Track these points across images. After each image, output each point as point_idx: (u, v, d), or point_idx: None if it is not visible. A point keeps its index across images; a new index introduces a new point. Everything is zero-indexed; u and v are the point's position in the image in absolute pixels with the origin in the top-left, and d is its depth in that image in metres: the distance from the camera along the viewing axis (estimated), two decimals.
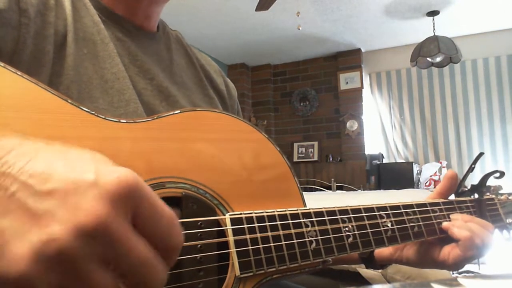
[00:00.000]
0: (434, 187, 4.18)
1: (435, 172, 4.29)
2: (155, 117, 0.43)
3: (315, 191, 4.17)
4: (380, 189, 4.32)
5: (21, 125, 0.34)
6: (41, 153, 0.26)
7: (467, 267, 3.13)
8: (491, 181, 0.72)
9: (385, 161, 4.80)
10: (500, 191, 0.76)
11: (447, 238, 0.61)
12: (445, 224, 0.61)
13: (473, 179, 0.71)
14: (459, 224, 0.60)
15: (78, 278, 0.23)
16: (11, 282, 0.22)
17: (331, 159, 4.88)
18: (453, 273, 2.67)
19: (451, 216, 0.63)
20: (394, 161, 4.79)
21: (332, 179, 4.63)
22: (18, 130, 0.33)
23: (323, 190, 4.20)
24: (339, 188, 4.58)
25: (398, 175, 4.35)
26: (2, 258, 0.22)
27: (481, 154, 0.73)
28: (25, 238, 0.23)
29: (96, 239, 0.23)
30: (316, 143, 5.07)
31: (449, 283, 0.47)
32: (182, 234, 0.28)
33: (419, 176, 4.41)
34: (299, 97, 5.25)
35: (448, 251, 0.60)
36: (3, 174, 0.24)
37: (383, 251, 0.66)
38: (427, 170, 4.34)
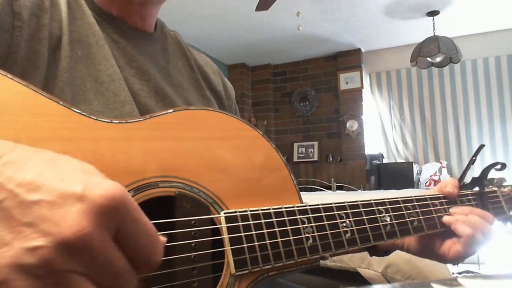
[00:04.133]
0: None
1: (435, 172, 4.28)
2: (148, 117, 0.43)
3: (315, 191, 4.17)
4: (380, 189, 4.32)
5: (13, 127, 0.34)
6: (31, 162, 0.26)
7: (467, 267, 3.13)
8: (494, 174, 0.71)
9: (385, 161, 4.79)
10: (504, 183, 0.75)
11: (448, 231, 0.60)
12: (446, 218, 0.61)
13: (474, 174, 0.70)
14: (462, 219, 0.60)
15: None
16: None
17: (331, 159, 4.88)
18: (453, 273, 2.67)
19: (450, 210, 0.62)
20: (394, 161, 4.79)
21: (332, 179, 4.62)
22: (11, 133, 0.34)
23: (323, 190, 4.20)
24: (339, 188, 4.58)
25: (398, 175, 4.34)
26: None
27: (481, 146, 0.72)
28: (8, 247, 0.23)
29: (77, 252, 0.24)
30: (316, 143, 5.07)
31: (449, 283, 0.47)
32: (162, 252, 0.29)
33: (419, 176, 4.40)
34: (299, 97, 5.25)
35: (449, 247, 0.59)
36: None
37: None
38: (427, 170, 4.34)
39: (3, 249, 0.23)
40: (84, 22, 0.56)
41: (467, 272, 3.02)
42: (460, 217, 0.60)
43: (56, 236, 0.23)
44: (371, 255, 0.66)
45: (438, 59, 3.81)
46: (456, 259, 0.59)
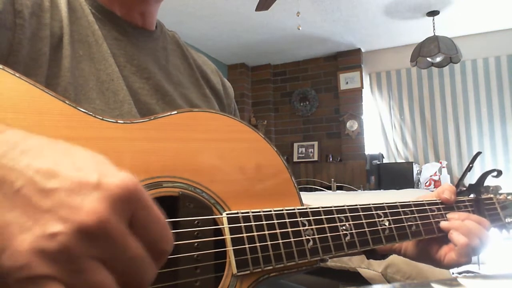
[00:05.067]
0: (434, 187, 4.19)
1: (435, 172, 4.29)
2: (152, 118, 0.44)
3: (315, 191, 4.17)
4: (380, 189, 4.32)
5: (20, 126, 0.34)
6: (46, 150, 0.27)
7: (467, 267, 3.13)
8: (491, 181, 0.72)
9: (385, 161, 4.80)
10: (500, 191, 0.76)
11: (446, 237, 0.61)
12: (444, 224, 0.61)
13: (473, 179, 0.71)
14: (458, 225, 0.60)
15: (76, 274, 0.24)
16: (12, 275, 0.23)
17: (331, 159, 4.88)
18: (453, 273, 2.67)
19: (448, 215, 0.63)
20: (394, 161, 4.79)
21: (332, 179, 4.63)
22: None
23: (323, 190, 4.20)
24: (339, 188, 4.58)
25: (398, 175, 4.35)
26: (6, 251, 0.23)
27: (478, 153, 0.73)
28: (28, 233, 0.24)
29: (96, 238, 0.24)
30: (316, 143, 5.07)
31: (449, 283, 0.47)
32: (172, 240, 0.29)
33: (419, 176, 4.40)
34: (299, 97, 5.25)
35: (445, 253, 0.60)
36: (9, 169, 0.25)
37: None
38: (427, 170, 4.34)
39: (24, 235, 0.24)
40: (83, 21, 0.57)
41: (467, 272, 3.02)
42: (457, 223, 0.61)
43: (75, 222, 0.24)
44: (368, 258, 0.67)
45: (438, 59, 3.81)
46: (450, 266, 0.59)
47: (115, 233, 0.25)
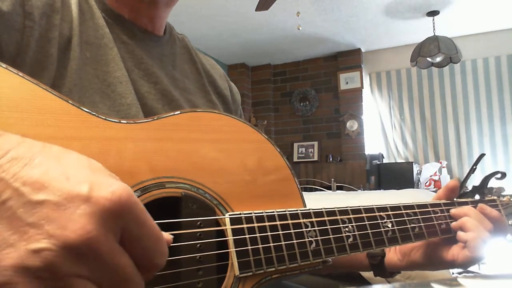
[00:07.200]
0: (434, 187, 4.19)
1: (435, 172, 4.29)
2: (156, 118, 0.44)
3: (315, 191, 4.17)
4: (380, 189, 4.32)
5: (22, 125, 0.34)
6: (38, 158, 0.26)
7: None
8: (494, 183, 0.72)
9: (385, 161, 4.80)
10: (503, 193, 0.76)
11: (452, 238, 0.61)
12: (453, 224, 0.61)
13: (474, 180, 0.71)
14: (464, 221, 0.60)
15: None
16: None
17: (331, 159, 4.88)
18: (453, 273, 2.67)
19: (451, 211, 0.62)
20: (394, 161, 4.79)
21: (332, 179, 4.63)
22: (20, 131, 0.34)
23: (323, 190, 4.20)
24: (339, 188, 4.58)
25: (398, 175, 4.35)
26: None
27: (482, 155, 0.73)
28: (13, 248, 0.23)
29: (83, 255, 0.24)
30: (316, 143, 5.07)
31: (449, 283, 0.47)
32: (166, 254, 0.28)
33: (419, 176, 4.41)
34: (299, 97, 5.25)
35: (457, 252, 0.59)
36: None
37: (392, 258, 0.66)
38: (427, 170, 4.34)
39: (7, 250, 0.23)
40: (93, 23, 0.56)
41: (467, 272, 3.02)
42: (463, 219, 0.60)
43: (61, 238, 0.23)
44: (376, 275, 0.66)
45: (438, 59, 3.81)
46: (466, 264, 0.58)
47: (103, 252, 0.24)
